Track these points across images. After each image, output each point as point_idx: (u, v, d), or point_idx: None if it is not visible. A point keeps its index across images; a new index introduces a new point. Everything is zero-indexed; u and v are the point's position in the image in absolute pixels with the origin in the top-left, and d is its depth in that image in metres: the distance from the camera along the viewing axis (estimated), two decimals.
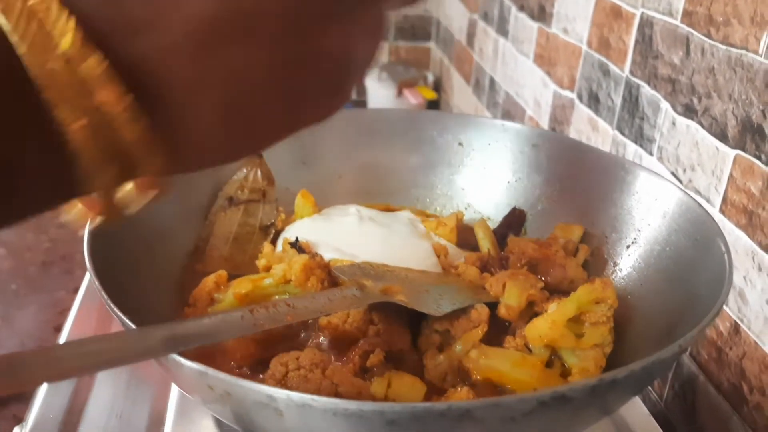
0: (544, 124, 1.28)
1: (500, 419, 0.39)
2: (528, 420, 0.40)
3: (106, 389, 0.68)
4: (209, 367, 0.39)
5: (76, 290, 1.16)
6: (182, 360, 0.40)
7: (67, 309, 1.28)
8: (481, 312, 0.58)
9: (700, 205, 0.60)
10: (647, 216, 0.65)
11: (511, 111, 1.47)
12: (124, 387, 0.68)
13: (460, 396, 0.50)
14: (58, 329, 1.26)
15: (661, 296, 0.60)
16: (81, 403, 0.66)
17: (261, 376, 0.52)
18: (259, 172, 0.71)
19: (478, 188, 0.79)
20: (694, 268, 0.57)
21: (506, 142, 0.77)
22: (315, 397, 0.38)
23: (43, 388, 0.74)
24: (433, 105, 1.87)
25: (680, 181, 0.85)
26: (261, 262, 0.64)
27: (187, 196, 0.69)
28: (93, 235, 0.54)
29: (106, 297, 0.45)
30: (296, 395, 0.38)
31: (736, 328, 0.76)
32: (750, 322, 0.74)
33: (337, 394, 0.49)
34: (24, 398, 0.92)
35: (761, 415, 0.72)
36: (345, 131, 0.79)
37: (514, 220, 0.75)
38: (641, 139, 0.94)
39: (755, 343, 0.72)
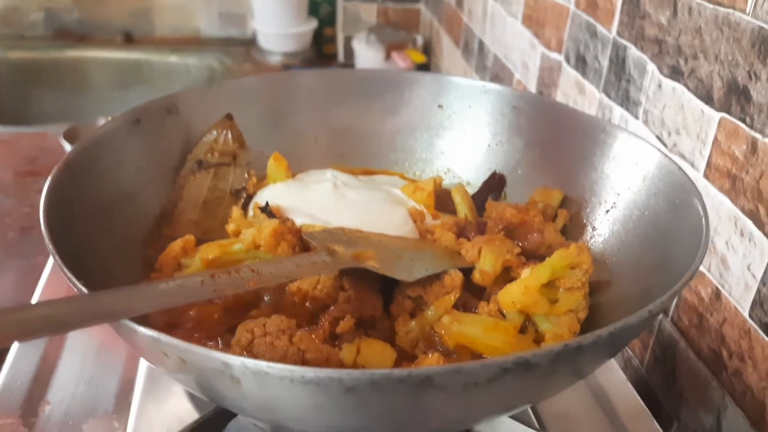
0: (532, 87, 1.25)
1: (463, 385, 0.38)
2: (492, 386, 0.38)
3: (75, 356, 0.67)
4: (162, 334, 0.38)
5: None
6: (135, 326, 0.39)
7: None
8: (455, 277, 0.56)
9: (680, 168, 0.58)
10: (627, 180, 0.64)
11: (499, 74, 1.44)
12: (94, 354, 0.67)
13: (431, 362, 0.49)
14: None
15: (639, 261, 0.59)
16: (49, 369, 0.65)
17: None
18: (229, 135, 0.69)
19: (458, 152, 0.78)
20: (672, 232, 0.55)
21: (486, 104, 0.75)
22: (271, 364, 0.36)
23: (10, 355, 0.73)
24: (423, 68, 1.83)
25: (665, 145, 0.83)
26: (230, 227, 0.63)
27: (154, 158, 0.67)
28: (51, 193, 0.52)
29: (58, 259, 0.44)
30: (251, 362, 0.36)
31: (717, 294, 0.75)
32: (731, 288, 0.73)
33: (304, 361, 0.48)
34: None
35: (739, 380, 0.71)
36: (320, 92, 0.77)
37: (494, 185, 0.73)
38: (627, 102, 0.92)
39: (736, 309, 0.72)
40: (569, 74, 1.10)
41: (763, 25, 0.66)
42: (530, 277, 0.53)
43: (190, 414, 0.59)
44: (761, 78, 0.67)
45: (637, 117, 0.90)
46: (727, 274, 0.73)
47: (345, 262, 0.54)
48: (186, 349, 0.37)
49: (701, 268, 0.77)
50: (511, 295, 0.54)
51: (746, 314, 0.70)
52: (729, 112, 0.72)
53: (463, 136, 0.77)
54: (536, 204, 0.68)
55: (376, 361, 0.51)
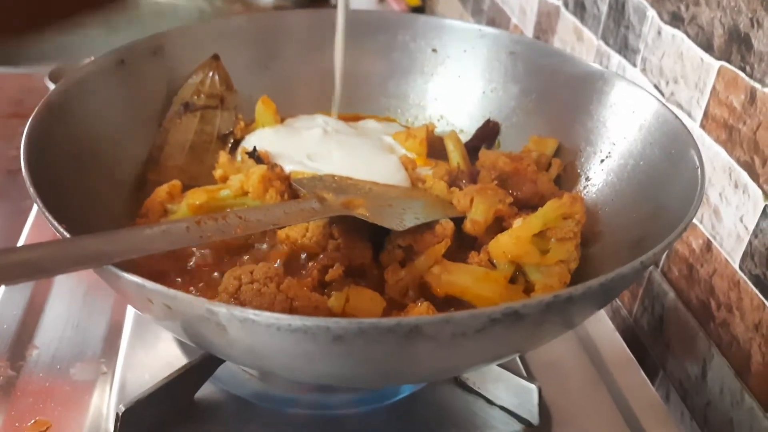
0: (529, 32, 1.23)
1: (451, 335, 0.37)
2: (481, 336, 0.38)
3: (62, 300, 0.66)
4: (146, 280, 0.37)
5: None
6: (119, 272, 0.38)
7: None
8: (446, 227, 0.56)
9: (676, 116, 0.57)
10: (623, 128, 0.63)
11: (496, 19, 1.41)
12: (81, 298, 0.67)
13: (420, 311, 0.49)
14: None
15: (632, 211, 0.58)
16: (36, 313, 0.65)
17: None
18: (216, 76, 0.67)
19: (452, 98, 0.76)
20: (666, 183, 0.55)
21: (482, 48, 0.73)
22: (257, 311, 0.36)
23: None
24: (417, 12, 1.79)
25: (662, 94, 0.82)
26: (218, 173, 0.61)
27: (139, 100, 0.65)
28: (32, 134, 0.50)
29: (39, 201, 0.42)
30: (237, 309, 0.36)
31: (708, 246, 0.75)
32: (722, 240, 0.72)
33: (292, 309, 0.47)
34: None
35: (726, 331, 0.71)
36: (310, 33, 0.74)
37: (488, 133, 0.72)
38: (626, 49, 0.90)
39: (726, 260, 0.71)
40: (567, 20, 1.07)
41: None
42: (522, 227, 0.53)
43: (178, 359, 0.59)
44: (763, 25, 0.65)
45: (635, 65, 0.88)
46: (719, 226, 0.73)
47: (334, 210, 0.53)
48: (171, 295, 0.37)
49: (693, 220, 0.77)
50: (502, 246, 0.53)
51: (736, 266, 0.70)
52: (729, 61, 0.70)
53: (457, 82, 0.75)
54: (530, 153, 0.67)
55: (366, 310, 0.50)
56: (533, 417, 0.55)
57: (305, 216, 0.51)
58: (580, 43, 1.03)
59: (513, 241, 0.53)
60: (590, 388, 0.61)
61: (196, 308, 0.37)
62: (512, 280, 0.55)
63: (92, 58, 0.60)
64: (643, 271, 0.52)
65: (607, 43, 0.95)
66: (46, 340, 0.62)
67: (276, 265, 0.52)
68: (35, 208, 0.81)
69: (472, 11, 1.55)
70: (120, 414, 0.49)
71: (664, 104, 0.59)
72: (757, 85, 0.66)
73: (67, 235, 0.39)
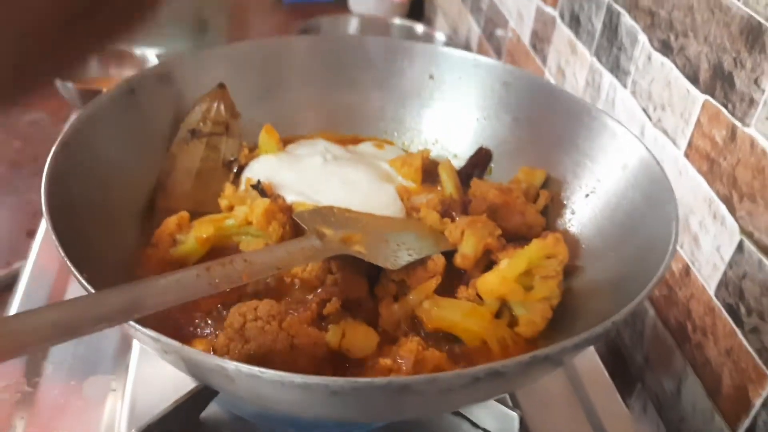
0: (526, 38, 1.25)
1: (438, 391, 0.41)
2: (466, 390, 0.42)
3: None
4: (162, 336, 0.41)
5: None
6: (137, 327, 0.42)
7: (39, 214, 1.28)
8: (437, 263, 0.59)
9: (659, 165, 0.60)
10: (608, 166, 0.66)
11: (494, 19, 1.43)
12: None
13: (410, 347, 0.53)
14: (31, 234, 1.27)
15: (612, 250, 0.62)
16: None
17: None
18: (222, 105, 0.70)
19: (446, 123, 0.79)
20: (644, 228, 0.58)
21: (477, 77, 0.76)
22: (263, 370, 0.39)
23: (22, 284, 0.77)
24: (418, 6, 1.81)
25: (650, 119, 0.85)
26: (223, 203, 0.65)
27: (148, 128, 0.68)
28: (51, 178, 0.53)
29: (63, 254, 0.46)
30: (245, 368, 0.40)
31: (687, 270, 0.79)
32: (701, 266, 0.76)
33: (292, 346, 0.51)
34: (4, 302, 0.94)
35: (701, 353, 0.76)
36: (311, 60, 0.77)
37: (480, 160, 0.75)
38: (617, 69, 0.93)
39: (703, 286, 0.75)
40: (563, 32, 1.10)
41: (753, 14, 0.67)
42: (508, 268, 0.56)
43: (185, 378, 0.63)
44: (746, 67, 0.68)
45: (625, 86, 0.91)
46: (698, 253, 0.77)
47: (333, 249, 0.57)
48: (185, 352, 0.40)
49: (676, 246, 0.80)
50: (488, 284, 0.57)
51: (712, 293, 0.74)
52: (713, 96, 0.73)
53: (452, 108, 0.78)
54: (519, 183, 0.70)
55: (360, 345, 0.54)
56: None
57: (307, 256, 0.55)
58: (574, 56, 1.06)
59: (499, 280, 0.57)
60: (569, 412, 0.65)
61: (208, 363, 0.40)
62: (498, 314, 0.59)
63: (104, 91, 0.63)
64: (615, 330, 0.55)
65: (600, 61, 0.98)
66: (59, 357, 0.66)
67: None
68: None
69: (471, 8, 1.56)
70: None
71: (648, 150, 0.62)
72: (738, 124, 0.69)
73: (92, 290, 0.43)
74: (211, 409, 0.60)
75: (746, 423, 0.68)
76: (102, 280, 0.50)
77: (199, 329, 0.54)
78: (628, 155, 0.64)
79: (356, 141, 0.79)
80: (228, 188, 0.65)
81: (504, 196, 0.67)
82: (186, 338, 0.53)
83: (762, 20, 0.66)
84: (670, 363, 0.81)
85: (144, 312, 0.42)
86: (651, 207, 0.59)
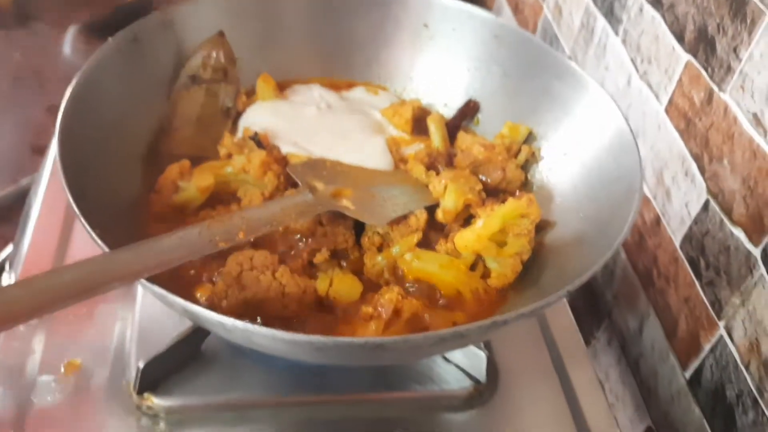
0: None
1: (409, 348, 0.47)
2: (434, 347, 0.48)
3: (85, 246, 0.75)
4: (169, 293, 0.46)
5: (50, 108, 1.19)
6: (148, 284, 0.47)
7: (42, 130, 1.30)
8: (420, 219, 0.64)
9: (632, 134, 0.64)
10: (586, 128, 0.70)
11: None
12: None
13: (390, 296, 0.59)
14: (36, 150, 1.30)
15: (581, 209, 0.66)
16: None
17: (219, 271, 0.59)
18: (221, 52, 0.73)
19: (439, 72, 0.82)
20: (611, 194, 0.63)
21: (470, 29, 0.78)
22: (256, 326, 0.45)
23: (33, 218, 0.81)
24: None
25: (637, 70, 0.88)
26: (222, 151, 0.69)
27: (151, 74, 0.71)
28: (64, 131, 0.57)
29: (78, 212, 0.50)
30: (240, 324, 0.45)
31: (657, 221, 0.84)
32: (670, 218, 0.81)
33: (284, 294, 0.57)
34: (12, 219, 1.00)
35: (663, 298, 0.82)
36: (308, 6, 0.79)
37: (468, 111, 0.79)
38: (611, 16, 0.95)
39: (670, 238, 0.81)
40: None
41: None
42: (483, 227, 0.61)
43: None
44: (727, 34, 0.71)
45: (617, 34, 0.93)
46: (669, 206, 0.82)
47: (324, 204, 0.61)
48: (189, 308, 0.46)
49: (648, 194, 0.85)
50: (464, 240, 0.62)
51: (678, 244, 0.79)
52: (696, 57, 0.76)
53: (444, 58, 0.81)
54: (503, 138, 0.74)
55: (345, 293, 0.60)
56: (481, 376, 0.66)
57: (299, 212, 0.60)
58: None
59: (475, 238, 0.62)
60: (535, 351, 0.72)
61: (209, 318, 0.46)
62: (473, 267, 0.65)
63: (108, 40, 0.66)
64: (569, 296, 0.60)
65: (595, 4, 0.99)
66: None
67: None
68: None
69: None
70: (141, 368, 0.60)
71: (624, 118, 0.65)
72: (716, 88, 0.73)
73: (105, 248, 0.48)
74: (211, 340, 0.66)
75: (695, 364, 0.76)
76: (111, 227, 0.56)
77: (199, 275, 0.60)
78: (605, 121, 0.67)
79: (350, 86, 0.82)
80: (227, 137, 0.69)
81: (487, 152, 0.71)
82: (188, 284, 0.58)
83: None
84: (635, 304, 0.88)
85: (153, 271, 0.47)
86: (620, 175, 0.63)
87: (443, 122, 0.76)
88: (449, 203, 0.66)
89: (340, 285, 0.60)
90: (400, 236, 0.64)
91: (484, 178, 0.71)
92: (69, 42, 1.53)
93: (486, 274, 0.64)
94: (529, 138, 0.75)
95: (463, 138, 0.74)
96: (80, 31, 1.45)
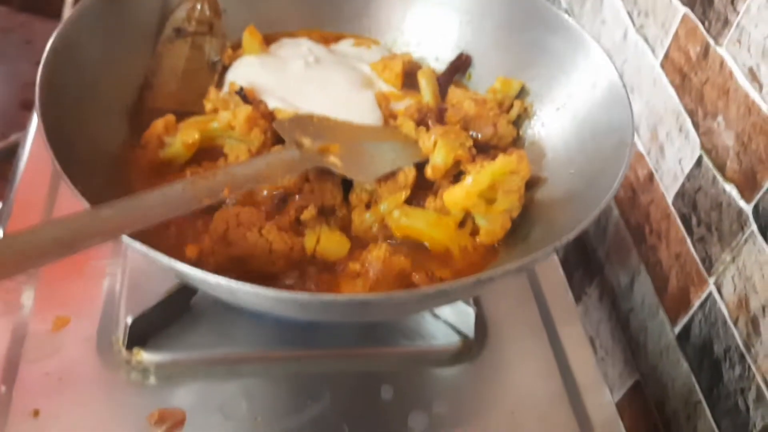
0: None
1: (394, 305, 0.47)
2: (419, 303, 0.48)
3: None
4: (151, 249, 0.46)
5: (37, 63, 1.17)
6: (133, 243, 0.47)
7: (30, 82, 1.29)
8: (408, 175, 0.64)
9: (625, 89, 0.63)
10: (579, 83, 0.68)
11: None
12: None
13: (378, 253, 0.58)
14: (25, 105, 1.28)
15: (573, 165, 0.66)
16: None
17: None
18: (206, 4, 0.71)
19: (430, 25, 0.80)
20: (603, 149, 0.62)
21: None
22: (241, 284, 0.45)
23: (20, 172, 0.80)
24: None
25: (633, 24, 0.86)
26: (208, 106, 0.68)
27: (134, 27, 0.69)
28: (44, 84, 0.56)
29: (60, 168, 0.50)
30: (225, 281, 0.45)
31: (650, 177, 0.83)
32: (663, 175, 0.81)
33: (271, 251, 0.57)
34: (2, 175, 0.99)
35: (654, 254, 0.82)
36: None
37: (460, 66, 0.77)
38: None
39: (663, 194, 0.80)
40: None
41: None
42: (473, 184, 0.61)
43: None
44: None
45: None
46: (662, 162, 0.81)
47: (311, 160, 0.61)
48: (174, 265, 0.46)
49: (642, 150, 0.85)
50: (453, 197, 0.62)
51: (670, 201, 0.79)
52: (693, 10, 0.74)
53: (436, 10, 0.79)
54: (495, 93, 0.73)
55: (333, 250, 0.60)
56: (470, 332, 0.66)
57: (285, 168, 0.59)
58: None
59: (464, 195, 0.61)
60: (524, 307, 0.72)
61: (194, 275, 0.46)
62: (462, 224, 0.64)
63: None
64: (555, 252, 0.59)
65: None
66: None
67: None
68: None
69: None
70: (129, 324, 0.60)
71: (617, 72, 0.64)
72: (712, 42, 0.71)
73: (87, 204, 0.47)
74: (201, 295, 0.66)
75: (684, 320, 0.76)
76: (95, 183, 0.55)
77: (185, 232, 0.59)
78: (599, 75, 0.66)
79: (339, 38, 0.80)
80: (212, 92, 0.68)
81: (478, 107, 0.70)
82: (178, 241, 0.58)
83: None
84: (627, 259, 0.88)
85: (135, 227, 0.47)
86: (611, 130, 0.62)
87: (434, 77, 0.75)
88: (439, 159, 0.65)
89: (328, 242, 0.60)
90: (388, 193, 0.63)
91: (474, 134, 0.70)
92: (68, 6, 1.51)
93: (475, 231, 0.64)
94: (522, 93, 0.74)
95: (454, 93, 0.73)
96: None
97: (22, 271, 0.42)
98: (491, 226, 0.63)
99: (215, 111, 0.67)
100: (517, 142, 0.73)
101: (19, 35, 1.33)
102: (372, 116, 0.69)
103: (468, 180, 0.61)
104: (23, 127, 1.03)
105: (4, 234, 0.70)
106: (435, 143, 0.66)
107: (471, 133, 0.70)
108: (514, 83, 0.73)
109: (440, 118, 0.72)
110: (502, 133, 0.70)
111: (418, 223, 0.62)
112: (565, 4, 1.05)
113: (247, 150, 0.64)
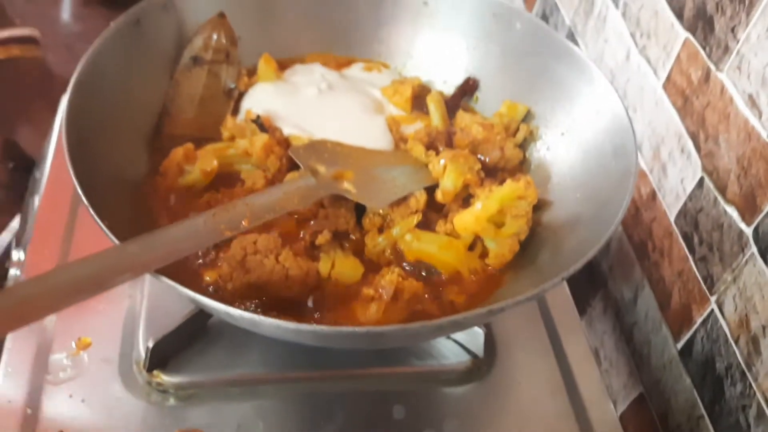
0: None
1: (407, 336, 0.49)
2: (432, 333, 0.50)
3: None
4: (178, 285, 0.48)
5: None
6: (157, 276, 0.49)
7: None
8: (420, 200, 0.66)
9: (628, 116, 0.65)
10: (583, 109, 0.71)
11: None
12: None
13: (391, 278, 0.60)
14: None
15: (578, 191, 0.68)
16: (68, 242, 0.76)
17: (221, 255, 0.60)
18: (222, 33, 0.73)
19: (438, 49, 0.82)
20: (608, 175, 0.64)
21: (469, 7, 0.79)
22: (262, 317, 0.47)
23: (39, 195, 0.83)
24: None
25: (636, 45, 0.88)
26: (225, 134, 0.70)
27: (153, 54, 0.71)
28: (70, 119, 0.58)
29: (87, 202, 0.52)
30: (248, 315, 0.47)
31: (653, 195, 0.85)
32: (665, 193, 0.83)
33: (288, 277, 0.59)
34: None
35: (657, 270, 0.84)
36: None
37: (467, 89, 0.79)
38: None
39: (665, 212, 0.82)
40: None
41: None
42: (482, 209, 0.63)
43: None
44: (726, 14, 0.71)
45: (617, 6, 0.93)
46: (665, 181, 0.83)
47: (327, 187, 0.63)
48: (197, 298, 0.48)
49: (645, 168, 0.87)
50: (463, 222, 0.64)
51: (672, 219, 0.81)
52: (694, 35, 0.76)
53: (444, 35, 0.81)
54: (502, 117, 0.75)
55: (348, 274, 0.62)
56: (479, 352, 0.69)
57: (301, 196, 0.61)
58: None
59: (473, 220, 0.63)
60: (532, 326, 0.74)
61: (216, 307, 0.48)
62: (472, 247, 0.66)
63: (111, 24, 0.66)
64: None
65: None
66: None
67: None
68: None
69: None
70: (150, 347, 0.63)
71: (620, 99, 0.66)
72: (713, 67, 0.73)
73: (116, 240, 0.49)
74: (216, 317, 0.68)
75: (687, 336, 0.78)
76: (117, 212, 0.57)
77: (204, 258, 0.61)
78: (602, 103, 0.68)
79: (351, 62, 0.82)
80: (229, 119, 0.70)
81: (486, 131, 0.72)
82: (195, 268, 0.60)
83: None
84: (630, 275, 0.90)
85: (162, 263, 0.49)
86: (615, 157, 0.64)
87: (442, 101, 0.77)
88: (449, 184, 0.67)
89: (342, 267, 0.62)
90: (400, 217, 0.65)
91: (482, 158, 0.72)
92: (67, 7, 1.53)
93: (484, 254, 0.66)
94: (528, 117, 0.76)
95: (462, 117, 0.75)
96: None
97: (51, 313, 0.44)
98: (500, 249, 0.65)
99: (232, 138, 0.70)
100: (523, 164, 0.75)
101: None
102: (383, 141, 0.71)
103: (477, 206, 0.63)
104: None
105: (26, 264, 0.72)
106: (445, 167, 0.68)
107: (479, 156, 0.72)
108: (520, 107, 0.75)
109: (449, 141, 0.74)
110: (509, 156, 0.73)
111: (430, 247, 0.64)
112: (568, 21, 1.07)
113: (263, 176, 0.66)
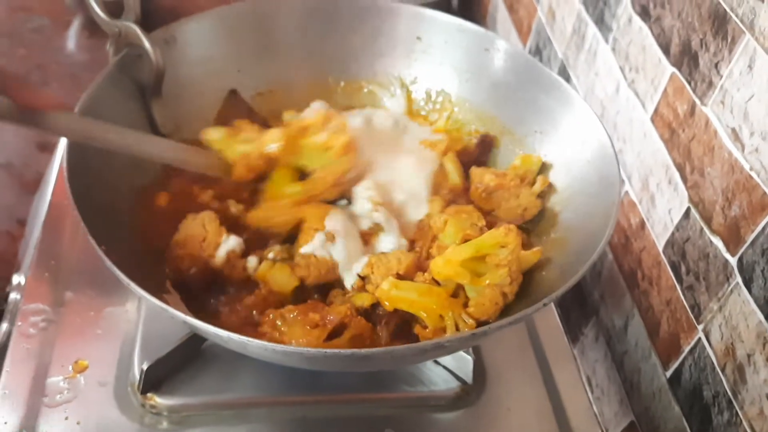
0: None
1: (393, 358, 0.51)
2: (417, 356, 0.52)
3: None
4: (170, 307, 0.50)
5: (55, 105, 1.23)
6: (159, 303, 0.50)
7: None
8: (403, 261, 0.65)
9: (615, 152, 0.67)
10: (572, 141, 0.73)
11: None
12: None
13: (341, 309, 0.60)
14: (42, 147, 1.33)
15: (567, 218, 0.69)
16: (71, 261, 0.77)
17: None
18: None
19: (433, 81, 0.85)
20: (594, 206, 0.66)
21: (461, 42, 0.81)
22: (251, 339, 0.49)
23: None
24: None
25: (625, 78, 0.90)
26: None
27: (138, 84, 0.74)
28: (72, 172, 0.60)
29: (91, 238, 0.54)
30: (236, 337, 0.49)
31: (642, 225, 0.87)
32: (654, 223, 0.84)
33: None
34: None
35: (646, 299, 0.85)
36: (306, 18, 0.82)
37: (484, 149, 0.81)
38: (601, 23, 0.97)
39: (654, 242, 0.84)
40: None
41: (721, 2, 0.71)
42: (453, 251, 0.63)
43: None
44: (710, 50, 0.73)
45: (607, 41, 0.95)
46: (653, 211, 0.84)
47: None
48: (190, 321, 0.50)
49: (634, 199, 0.88)
50: (436, 266, 0.63)
51: (660, 249, 0.82)
52: (680, 70, 0.79)
53: (438, 69, 0.84)
54: (516, 169, 0.77)
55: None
56: (468, 378, 0.70)
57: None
58: (564, 1, 1.09)
59: (444, 262, 0.63)
60: (522, 353, 0.75)
61: (208, 331, 0.50)
62: (455, 295, 0.64)
63: (113, 58, 0.69)
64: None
65: (587, 11, 1.01)
66: (79, 286, 0.75)
67: None
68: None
69: None
70: (144, 370, 0.64)
71: (606, 131, 0.68)
72: (698, 101, 0.75)
73: (115, 268, 0.51)
74: (210, 341, 0.70)
75: (676, 364, 0.79)
76: (116, 236, 0.59)
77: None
78: (589, 135, 0.70)
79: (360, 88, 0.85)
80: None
81: (499, 179, 0.73)
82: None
83: (728, 9, 0.70)
84: (621, 303, 0.91)
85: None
86: (600, 188, 0.66)
87: (457, 159, 0.79)
88: (447, 239, 0.67)
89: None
90: (381, 278, 0.64)
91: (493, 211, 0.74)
92: (73, 37, 1.56)
93: (467, 303, 0.64)
94: (543, 168, 0.77)
95: (475, 172, 0.76)
96: (83, 26, 1.48)
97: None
98: (480, 299, 0.62)
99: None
100: (544, 213, 0.74)
101: (36, 78, 1.37)
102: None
103: (449, 249, 0.64)
104: (38, 168, 1.07)
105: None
106: (445, 222, 0.68)
107: (493, 209, 0.74)
108: (534, 158, 0.76)
109: (467, 195, 0.76)
110: (525, 203, 0.73)
111: (410, 293, 0.62)
112: (560, 54, 1.10)
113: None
